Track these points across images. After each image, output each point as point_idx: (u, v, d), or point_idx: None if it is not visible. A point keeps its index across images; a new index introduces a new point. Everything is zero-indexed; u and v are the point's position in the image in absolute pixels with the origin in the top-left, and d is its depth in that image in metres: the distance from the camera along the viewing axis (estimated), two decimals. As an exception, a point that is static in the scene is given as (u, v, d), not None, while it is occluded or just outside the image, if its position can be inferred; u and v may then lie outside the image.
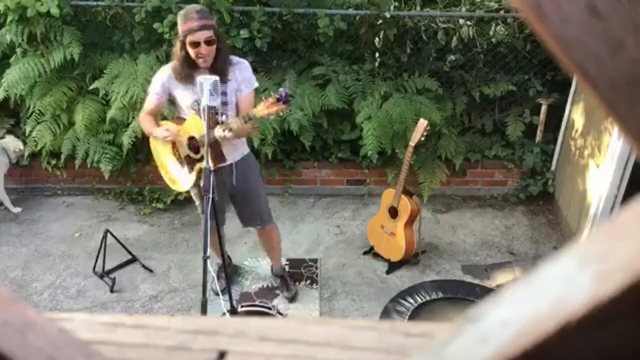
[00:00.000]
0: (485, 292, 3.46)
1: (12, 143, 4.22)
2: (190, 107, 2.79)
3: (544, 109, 4.33)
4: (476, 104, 4.42)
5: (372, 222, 3.87)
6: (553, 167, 4.47)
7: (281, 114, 2.61)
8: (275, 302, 3.42)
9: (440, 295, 3.46)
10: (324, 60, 4.31)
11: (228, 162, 2.90)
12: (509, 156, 4.46)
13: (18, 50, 4.08)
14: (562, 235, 4.13)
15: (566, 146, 4.28)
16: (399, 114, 4.07)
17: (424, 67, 4.39)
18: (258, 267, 3.77)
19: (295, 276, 3.67)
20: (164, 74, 2.81)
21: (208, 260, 2.40)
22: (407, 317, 3.30)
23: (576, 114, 4.13)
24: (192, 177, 2.87)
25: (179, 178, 2.94)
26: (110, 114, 4.02)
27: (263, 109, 2.54)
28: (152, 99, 2.85)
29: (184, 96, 2.79)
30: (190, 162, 2.86)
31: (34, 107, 4.18)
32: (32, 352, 0.37)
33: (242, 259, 3.84)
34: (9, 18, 3.85)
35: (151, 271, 3.74)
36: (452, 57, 4.34)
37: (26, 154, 4.28)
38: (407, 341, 0.43)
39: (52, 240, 4.08)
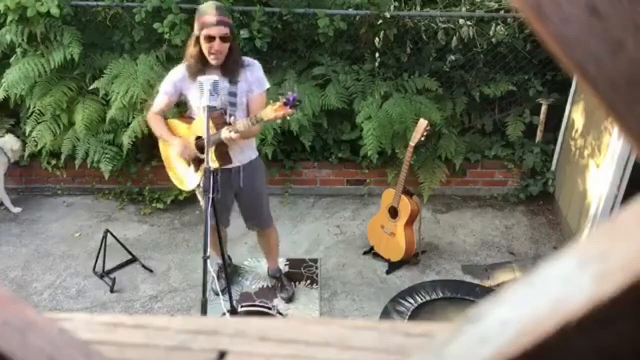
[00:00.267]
0: (485, 292, 3.46)
1: (9, 142, 4.21)
2: (200, 108, 2.79)
3: (544, 109, 4.33)
4: (476, 104, 4.43)
5: (372, 222, 3.87)
6: (553, 167, 4.47)
7: (288, 117, 2.61)
8: (275, 302, 3.43)
9: (440, 295, 3.46)
10: (324, 60, 4.31)
11: (235, 165, 2.91)
12: (509, 156, 4.46)
13: (18, 50, 4.08)
14: (562, 235, 4.13)
15: (566, 146, 4.28)
16: (399, 114, 4.07)
17: (424, 67, 4.39)
18: (258, 267, 3.77)
19: (295, 276, 3.67)
20: (178, 73, 2.81)
21: (208, 260, 2.40)
22: (407, 317, 3.30)
23: (576, 114, 4.13)
24: (198, 176, 2.88)
25: (186, 177, 2.95)
26: (110, 114, 4.02)
27: (270, 112, 2.54)
28: (163, 98, 2.86)
29: (195, 97, 2.79)
30: (196, 162, 2.86)
31: (34, 107, 4.18)
32: (32, 352, 0.37)
33: (242, 259, 3.84)
34: (9, 18, 3.85)
35: (151, 271, 3.74)
36: (452, 57, 4.34)
37: (26, 153, 4.28)
38: (407, 341, 0.43)
39: (52, 240, 4.09)
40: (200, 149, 2.81)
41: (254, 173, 3.02)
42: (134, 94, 3.95)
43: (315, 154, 4.48)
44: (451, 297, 3.44)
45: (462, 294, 3.46)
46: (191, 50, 2.70)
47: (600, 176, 3.56)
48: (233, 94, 2.75)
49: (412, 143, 3.45)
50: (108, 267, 3.67)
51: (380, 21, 4.16)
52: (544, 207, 4.47)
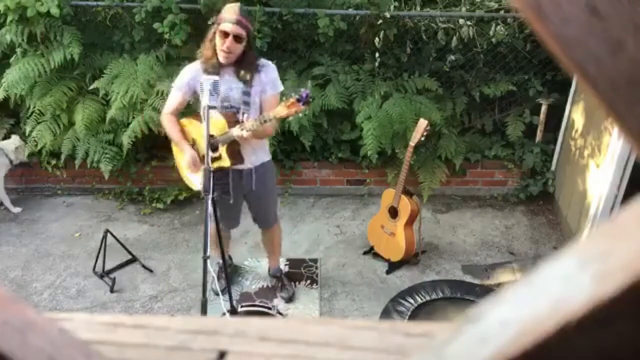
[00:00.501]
0: (485, 292, 3.46)
1: (12, 144, 4.21)
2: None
3: (544, 109, 4.33)
4: (476, 104, 4.43)
5: (372, 222, 3.87)
6: (553, 167, 4.47)
7: (300, 114, 2.61)
8: (275, 302, 3.43)
9: (440, 295, 3.46)
10: (324, 60, 4.32)
11: (247, 166, 2.91)
12: (509, 156, 4.46)
13: (18, 50, 4.08)
14: (562, 235, 4.13)
15: (566, 146, 4.28)
16: (399, 114, 4.07)
17: (424, 67, 4.39)
18: (258, 267, 3.77)
19: (295, 276, 3.67)
20: (193, 69, 2.82)
21: (208, 260, 2.40)
22: (407, 317, 3.30)
23: (576, 114, 4.13)
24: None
25: (195, 177, 2.95)
26: (110, 114, 4.02)
27: (283, 109, 2.54)
28: (177, 95, 2.86)
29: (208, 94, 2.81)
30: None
31: (34, 107, 4.17)
32: (32, 352, 0.37)
33: (242, 259, 3.84)
34: (9, 18, 3.84)
35: (151, 271, 3.74)
36: (452, 57, 4.34)
37: (26, 153, 4.27)
38: (407, 341, 0.43)
39: (52, 240, 4.08)
40: (213, 147, 2.82)
41: (266, 175, 3.03)
42: (134, 94, 3.95)
43: (315, 154, 4.48)
44: (451, 297, 3.44)
45: (462, 294, 3.46)
46: (207, 42, 2.73)
47: (600, 176, 3.56)
48: (247, 94, 2.76)
49: (412, 143, 3.45)
50: (108, 267, 3.67)
51: (380, 21, 4.16)
52: (544, 207, 4.47)
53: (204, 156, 2.86)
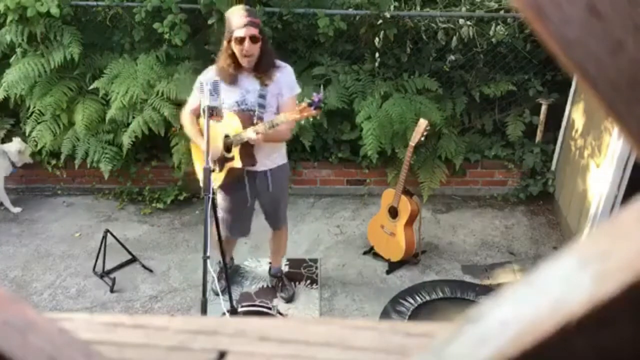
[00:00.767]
0: (485, 292, 3.46)
1: (15, 147, 4.21)
2: (230, 108, 2.80)
3: (544, 109, 4.33)
4: (476, 104, 4.43)
5: (372, 222, 3.87)
6: (553, 167, 4.47)
7: (311, 119, 2.61)
8: (275, 302, 3.43)
9: (440, 295, 3.46)
10: (324, 60, 4.31)
11: (261, 169, 2.91)
12: (509, 156, 4.46)
13: (18, 50, 4.08)
14: (562, 235, 4.13)
15: (566, 146, 4.28)
16: (399, 114, 4.07)
17: (424, 67, 4.39)
18: (258, 267, 3.77)
19: (295, 276, 3.67)
20: (207, 73, 2.82)
21: (208, 260, 2.40)
22: (407, 317, 3.30)
23: (576, 114, 4.13)
24: (221, 176, 2.89)
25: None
26: (110, 114, 4.02)
27: (294, 113, 2.54)
28: (196, 95, 2.85)
29: (226, 98, 2.78)
30: (221, 161, 2.87)
31: (34, 107, 4.17)
32: (32, 352, 0.37)
33: (242, 259, 3.84)
34: (9, 18, 3.84)
35: (151, 271, 3.74)
36: (452, 57, 4.34)
37: (27, 154, 4.27)
38: (407, 341, 0.43)
39: (52, 240, 4.08)
40: (227, 147, 2.82)
41: (282, 177, 3.04)
42: (133, 94, 3.95)
43: (315, 154, 4.48)
44: (451, 297, 3.44)
45: (462, 294, 3.46)
46: (223, 53, 2.73)
47: (600, 176, 3.56)
48: (263, 96, 2.75)
49: (412, 143, 3.45)
50: (108, 267, 3.67)
51: (380, 21, 4.16)
52: (544, 207, 4.47)
53: (221, 155, 2.87)
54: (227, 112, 2.81)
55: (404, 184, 3.53)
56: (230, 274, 3.55)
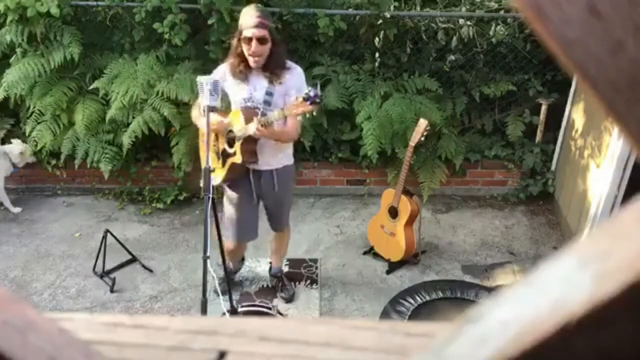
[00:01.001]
0: (485, 292, 3.46)
1: (17, 148, 4.21)
2: (238, 105, 2.82)
3: (544, 109, 4.33)
4: (476, 104, 4.43)
5: (372, 222, 3.87)
6: (553, 167, 4.47)
7: (308, 115, 2.59)
8: (275, 302, 3.42)
9: (440, 295, 3.46)
10: (324, 60, 4.31)
11: (267, 168, 2.91)
12: (509, 156, 4.46)
13: (18, 50, 4.08)
14: (562, 235, 4.13)
15: (566, 146, 4.28)
16: (399, 114, 4.07)
17: (424, 67, 4.39)
18: (258, 267, 3.77)
19: (295, 276, 3.67)
20: (219, 71, 2.85)
21: (208, 260, 2.40)
22: (407, 317, 3.30)
23: (576, 114, 4.13)
24: (223, 171, 2.89)
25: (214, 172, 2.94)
26: (110, 114, 4.02)
27: (292, 108, 2.53)
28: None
29: (234, 93, 2.82)
30: (224, 156, 2.88)
31: (34, 107, 4.18)
32: (32, 352, 0.37)
33: (242, 259, 3.84)
34: (9, 18, 3.85)
35: (151, 271, 3.74)
36: (452, 57, 4.34)
37: (27, 154, 4.27)
38: (407, 341, 0.43)
39: (52, 240, 4.08)
40: (230, 142, 2.83)
41: (287, 178, 3.03)
42: (133, 94, 3.95)
43: (315, 154, 4.48)
44: (451, 297, 3.44)
45: (462, 294, 3.46)
46: (233, 51, 2.74)
47: (600, 176, 3.56)
48: (270, 94, 2.76)
49: (412, 143, 3.45)
50: (108, 267, 3.67)
51: (380, 21, 4.16)
52: (544, 207, 4.47)
53: (223, 150, 2.87)
54: (234, 108, 2.82)
55: (404, 184, 3.53)
56: (238, 273, 3.61)
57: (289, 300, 3.49)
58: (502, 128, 4.52)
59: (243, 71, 2.74)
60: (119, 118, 4.06)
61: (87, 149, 4.21)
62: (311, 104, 2.48)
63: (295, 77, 2.79)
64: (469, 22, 4.19)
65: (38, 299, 3.51)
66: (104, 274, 3.64)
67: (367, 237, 3.94)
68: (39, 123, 4.22)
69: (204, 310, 2.45)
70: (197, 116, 2.92)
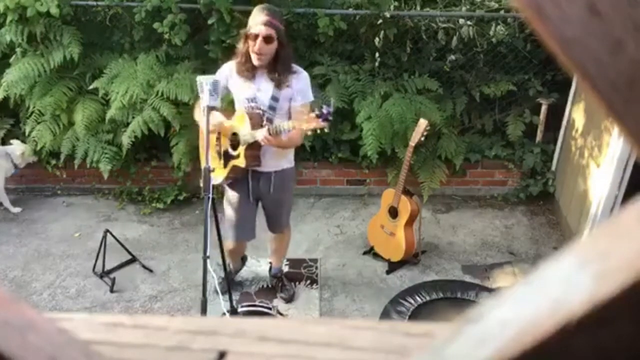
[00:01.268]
0: (485, 292, 3.46)
1: (19, 148, 4.21)
2: (241, 104, 2.80)
3: (544, 109, 4.33)
4: (476, 104, 4.43)
5: (372, 222, 3.87)
6: (553, 167, 4.47)
7: (318, 131, 2.58)
8: (275, 302, 3.42)
9: (440, 295, 3.46)
10: (324, 60, 4.31)
11: (266, 170, 2.90)
12: (509, 156, 4.46)
13: (18, 50, 4.08)
14: (562, 235, 4.13)
15: (566, 146, 4.28)
16: (399, 114, 4.07)
17: (424, 67, 4.39)
18: (258, 267, 3.77)
19: (295, 276, 3.67)
20: (226, 67, 2.83)
21: (208, 260, 2.40)
22: (407, 317, 3.29)
23: (576, 114, 4.13)
24: (225, 172, 2.88)
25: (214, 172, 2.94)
26: (110, 113, 4.02)
27: (301, 122, 2.52)
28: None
29: (238, 92, 2.80)
30: (226, 158, 2.86)
31: (34, 107, 4.17)
32: (32, 352, 0.37)
33: (242, 259, 3.84)
34: (9, 18, 3.85)
35: (151, 271, 3.74)
36: (452, 57, 4.34)
37: (27, 154, 4.27)
38: (407, 341, 0.43)
39: (52, 240, 4.08)
40: (233, 145, 2.81)
41: (285, 181, 3.01)
42: (133, 94, 3.95)
43: (315, 154, 4.48)
44: (451, 297, 3.44)
45: (462, 294, 3.46)
46: (240, 48, 2.72)
47: (600, 176, 3.56)
48: (275, 99, 2.74)
49: (412, 143, 3.45)
50: (108, 267, 3.67)
51: (380, 21, 4.16)
52: (544, 207, 4.47)
53: (225, 151, 2.86)
54: (239, 110, 2.80)
55: (404, 184, 3.53)
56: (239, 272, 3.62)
57: (289, 300, 3.49)
58: (502, 128, 4.52)
59: (248, 70, 2.72)
60: (119, 118, 4.06)
61: (87, 149, 4.21)
62: (324, 120, 2.47)
63: (301, 82, 2.77)
64: (469, 22, 4.19)
65: (38, 299, 3.51)
66: (103, 274, 3.64)
67: (367, 237, 3.94)
68: (38, 123, 4.21)
69: (204, 310, 2.45)
70: (199, 116, 2.91)
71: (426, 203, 4.37)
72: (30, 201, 4.55)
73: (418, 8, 4.42)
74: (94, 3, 4.19)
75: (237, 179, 2.93)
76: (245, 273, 3.72)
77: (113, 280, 3.58)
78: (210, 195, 2.44)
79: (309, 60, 4.38)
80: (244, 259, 3.66)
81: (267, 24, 2.58)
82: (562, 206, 4.25)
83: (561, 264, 0.32)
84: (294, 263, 3.79)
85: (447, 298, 3.44)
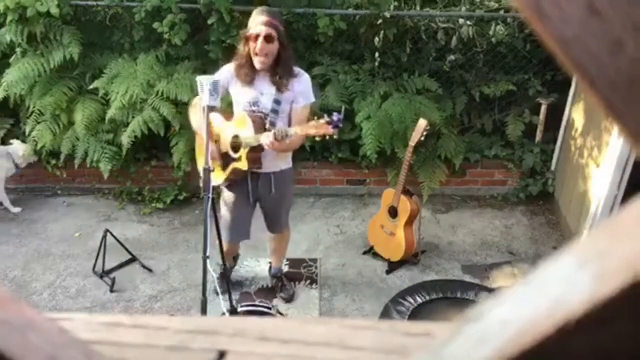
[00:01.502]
0: (485, 292, 3.46)
1: (20, 148, 4.21)
2: (243, 108, 2.77)
3: (544, 109, 4.33)
4: (476, 104, 4.43)
5: (372, 222, 3.87)
6: (553, 167, 4.47)
7: (327, 137, 2.57)
8: (275, 302, 3.42)
9: (440, 295, 3.46)
10: (324, 60, 4.32)
11: (265, 171, 2.88)
12: (509, 156, 4.46)
13: (18, 50, 4.08)
14: (562, 235, 4.13)
15: (566, 146, 4.28)
16: (399, 114, 4.07)
17: (424, 67, 4.39)
18: (258, 267, 3.77)
19: (295, 276, 3.67)
20: (226, 70, 2.79)
21: (208, 260, 2.40)
22: (407, 317, 3.29)
23: (576, 114, 4.13)
24: (224, 175, 2.87)
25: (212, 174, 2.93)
26: (110, 113, 4.02)
27: (312, 128, 2.50)
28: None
29: (239, 96, 2.78)
30: (226, 160, 2.85)
31: (34, 107, 4.18)
32: (32, 352, 0.37)
33: (242, 259, 3.83)
34: (9, 18, 3.85)
35: (151, 271, 3.74)
36: (452, 57, 4.34)
37: (27, 153, 4.27)
38: (407, 341, 0.43)
39: (52, 240, 4.08)
40: (235, 148, 2.80)
41: (284, 181, 3.00)
42: (133, 94, 3.95)
43: (315, 154, 4.48)
44: (451, 297, 3.44)
45: (462, 294, 3.46)
46: (240, 50, 2.70)
47: (600, 176, 3.56)
48: (278, 102, 2.72)
49: (412, 143, 3.45)
50: (108, 267, 3.67)
51: (380, 21, 4.16)
52: (544, 207, 4.47)
53: (225, 153, 2.85)
54: (241, 113, 2.78)
55: (404, 184, 3.53)
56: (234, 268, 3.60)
57: (289, 300, 3.49)
58: (502, 128, 4.52)
59: (249, 74, 2.69)
60: (119, 118, 4.06)
61: (87, 149, 4.21)
62: (334, 127, 2.46)
63: (302, 84, 2.76)
64: (469, 22, 4.19)
65: (38, 299, 3.51)
66: (104, 274, 3.64)
67: (367, 237, 3.94)
68: (39, 123, 4.22)
69: (204, 310, 2.45)
70: (194, 117, 2.87)
71: (426, 203, 4.37)
72: (30, 201, 4.55)
73: (418, 8, 4.42)
74: (94, 3, 4.19)
75: (236, 181, 2.93)
76: (245, 273, 3.72)
77: (113, 281, 3.58)
78: (210, 196, 2.44)
79: (309, 60, 4.39)
80: (236, 258, 3.65)
81: (267, 24, 2.57)
82: (562, 206, 4.25)
83: (561, 264, 0.32)
84: (294, 263, 3.79)
85: (447, 298, 3.44)
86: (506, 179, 4.58)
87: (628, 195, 3.41)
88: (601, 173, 3.54)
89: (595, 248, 0.31)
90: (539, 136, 4.45)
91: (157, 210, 4.40)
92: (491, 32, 4.21)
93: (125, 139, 4.02)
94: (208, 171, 2.45)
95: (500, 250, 3.99)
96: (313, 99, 2.84)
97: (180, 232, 4.18)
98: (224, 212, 3.05)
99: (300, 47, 4.36)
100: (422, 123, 3.40)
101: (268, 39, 2.59)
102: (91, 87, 4.12)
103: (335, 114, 2.46)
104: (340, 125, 2.47)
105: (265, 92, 2.73)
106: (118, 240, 3.71)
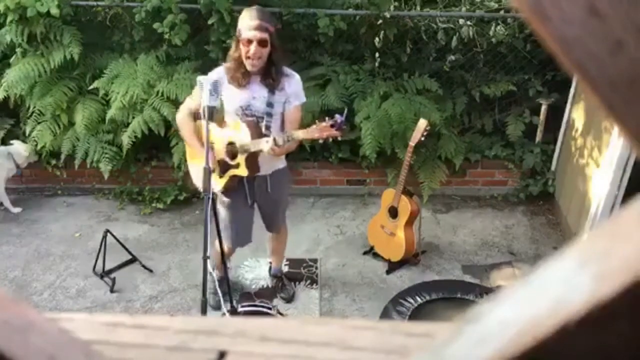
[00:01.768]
0: (485, 292, 3.46)
1: (21, 148, 4.21)
2: (234, 113, 2.74)
3: (544, 109, 4.33)
4: (476, 104, 4.43)
5: (372, 222, 3.87)
6: (553, 167, 4.47)
7: (331, 140, 2.56)
8: (275, 302, 3.43)
9: (440, 295, 3.46)
10: (324, 60, 4.32)
11: (261, 173, 2.87)
12: (509, 156, 4.46)
13: (18, 50, 4.08)
14: (562, 235, 4.13)
15: (566, 146, 4.28)
16: (399, 114, 4.07)
17: (424, 67, 4.39)
18: (258, 267, 3.77)
19: (295, 276, 3.67)
20: (216, 73, 2.74)
21: (208, 260, 2.40)
22: (407, 317, 3.29)
23: (576, 114, 4.13)
24: (222, 181, 2.84)
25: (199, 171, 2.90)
26: (110, 114, 4.02)
27: (315, 131, 2.49)
28: (197, 97, 2.75)
29: (230, 100, 2.74)
30: (223, 167, 2.82)
31: (34, 107, 4.18)
32: (33, 352, 0.37)
33: (242, 259, 3.83)
34: (9, 18, 3.85)
35: (151, 271, 3.74)
36: (452, 57, 4.34)
37: (28, 153, 4.27)
38: (407, 341, 0.43)
39: (52, 240, 4.08)
40: (231, 155, 2.78)
41: (281, 181, 3.00)
42: (133, 94, 3.95)
43: (315, 154, 4.48)
44: (451, 297, 3.44)
45: (462, 294, 3.46)
46: (232, 53, 2.68)
47: (600, 176, 3.56)
48: (270, 105, 2.71)
49: (412, 143, 3.45)
50: (108, 267, 3.67)
51: (380, 21, 4.16)
52: (544, 207, 4.47)
53: (220, 160, 2.82)
54: (234, 119, 2.74)
55: (404, 184, 3.53)
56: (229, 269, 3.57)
57: (289, 300, 3.49)
58: (502, 128, 4.52)
59: (242, 76, 2.66)
60: (119, 118, 4.06)
61: (87, 149, 4.21)
62: (337, 129, 2.45)
63: (293, 85, 2.75)
64: (469, 22, 4.19)
65: (38, 299, 3.51)
66: (104, 274, 3.64)
67: (367, 237, 3.94)
68: (39, 123, 4.22)
69: (204, 310, 2.45)
70: (183, 122, 2.84)
71: (426, 203, 4.37)
72: (30, 201, 4.55)
73: (418, 8, 4.42)
74: (94, 3, 4.19)
75: (233, 186, 2.91)
76: (245, 273, 3.72)
77: (113, 281, 3.58)
78: (210, 196, 2.44)
79: (309, 60, 4.39)
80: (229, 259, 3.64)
81: (259, 28, 2.54)
82: (562, 206, 4.25)
83: (561, 264, 0.32)
84: (294, 263, 3.79)
85: (447, 298, 3.44)
86: (506, 179, 4.58)
87: (628, 195, 3.41)
88: (601, 173, 3.54)
89: (595, 248, 0.31)
90: (539, 136, 4.45)
91: (157, 210, 4.40)
92: (491, 32, 4.21)
93: (125, 139, 4.02)
94: (208, 171, 2.44)
95: (501, 250, 3.99)
96: (304, 99, 2.84)
97: (180, 232, 4.18)
98: (224, 217, 3.03)
99: (300, 47, 4.36)
100: (422, 123, 3.40)
101: (261, 43, 2.57)
102: (91, 87, 4.12)
103: (337, 115, 2.45)
104: (344, 127, 2.46)
105: (257, 95, 2.71)
106: (118, 240, 3.71)
